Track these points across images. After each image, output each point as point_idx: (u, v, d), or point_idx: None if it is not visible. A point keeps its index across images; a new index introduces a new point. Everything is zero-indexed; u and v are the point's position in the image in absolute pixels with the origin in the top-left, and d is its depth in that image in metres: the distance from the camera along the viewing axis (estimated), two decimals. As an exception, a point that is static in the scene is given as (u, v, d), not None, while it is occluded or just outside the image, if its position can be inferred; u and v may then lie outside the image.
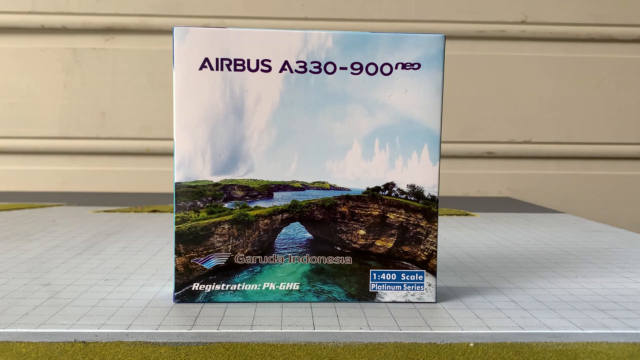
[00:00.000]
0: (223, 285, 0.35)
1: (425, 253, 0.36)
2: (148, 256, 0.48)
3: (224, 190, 0.35)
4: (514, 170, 1.08)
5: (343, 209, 0.35)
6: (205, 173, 0.34)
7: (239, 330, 0.30)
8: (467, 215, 0.75)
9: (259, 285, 0.35)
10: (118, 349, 0.28)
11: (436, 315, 0.33)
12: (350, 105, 0.34)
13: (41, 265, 0.44)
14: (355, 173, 0.35)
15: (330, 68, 0.34)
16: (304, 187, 0.35)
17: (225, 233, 0.35)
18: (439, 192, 0.35)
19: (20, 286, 0.38)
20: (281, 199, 0.35)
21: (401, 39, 0.34)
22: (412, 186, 0.35)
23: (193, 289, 0.35)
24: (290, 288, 0.35)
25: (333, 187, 0.35)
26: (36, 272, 0.42)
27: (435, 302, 0.36)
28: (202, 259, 0.35)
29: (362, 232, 0.36)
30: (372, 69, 0.34)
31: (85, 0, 1.01)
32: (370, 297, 0.36)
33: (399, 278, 0.36)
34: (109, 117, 1.03)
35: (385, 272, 0.36)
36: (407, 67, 0.34)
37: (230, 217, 0.35)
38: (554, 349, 0.29)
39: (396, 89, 0.34)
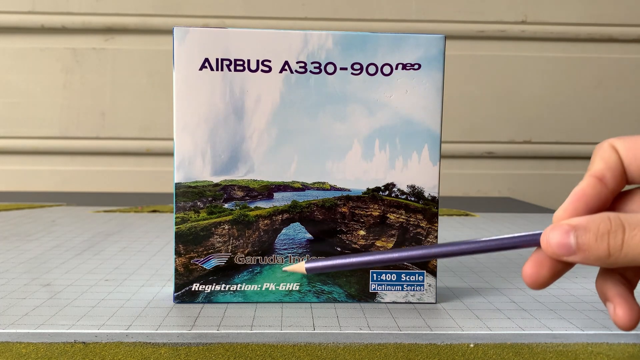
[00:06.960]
0: (223, 285, 0.35)
1: (426, 253, 0.36)
2: (148, 256, 0.48)
3: (224, 191, 0.35)
4: (514, 170, 1.08)
5: (343, 210, 0.35)
6: (205, 173, 0.34)
7: (239, 331, 0.30)
8: (467, 215, 0.75)
9: (259, 285, 0.35)
10: (118, 349, 0.28)
11: (436, 316, 0.33)
12: (350, 105, 0.34)
13: (41, 266, 0.44)
14: (355, 173, 0.35)
15: (330, 68, 0.34)
16: (304, 187, 0.35)
17: (225, 233, 0.35)
18: (439, 193, 0.35)
19: (20, 286, 0.38)
20: (281, 200, 0.35)
21: (401, 39, 0.34)
22: (413, 186, 0.35)
23: (193, 289, 0.35)
24: (290, 288, 0.35)
25: (333, 188, 0.35)
26: (36, 273, 0.42)
27: (435, 303, 0.36)
28: (202, 259, 0.35)
29: (362, 232, 0.36)
30: (372, 69, 0.34)
31: (85, 0, 1.01)
32: (371, 297, 0.36)
33: (399, 278, 0.36)
34: (108, 117, 1.03)
35: (385, 273, 0.36)
36: (407, 68, 0.34)
37: (230, 217, 0.35)
38: (554, 350, 0.29)
39: (396, 89, 0.34)
